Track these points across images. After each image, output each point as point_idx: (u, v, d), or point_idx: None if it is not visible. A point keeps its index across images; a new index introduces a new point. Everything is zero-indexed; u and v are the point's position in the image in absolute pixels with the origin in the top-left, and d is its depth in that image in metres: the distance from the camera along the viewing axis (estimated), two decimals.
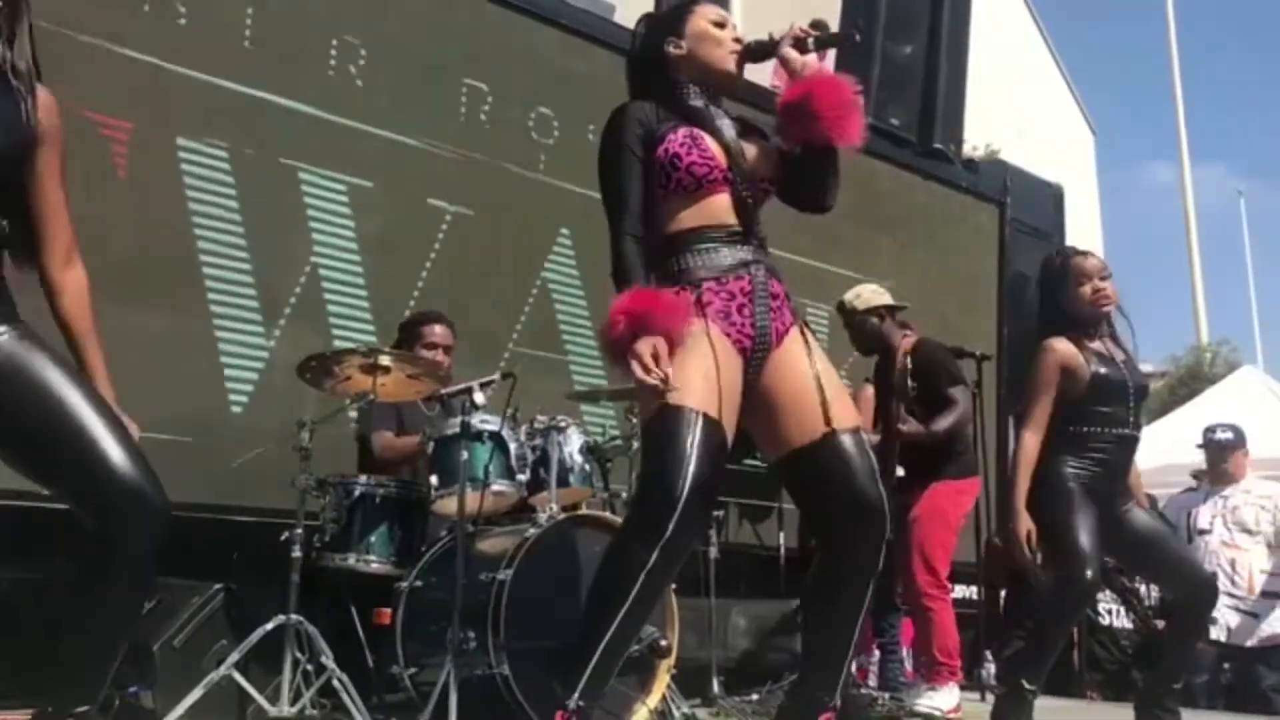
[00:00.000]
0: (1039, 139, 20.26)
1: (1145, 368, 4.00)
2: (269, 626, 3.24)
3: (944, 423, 4.55)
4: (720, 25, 2.63)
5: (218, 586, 3.55)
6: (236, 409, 4.36)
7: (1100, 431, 3.66)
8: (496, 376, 3.49)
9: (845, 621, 2.41)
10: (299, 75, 4.62)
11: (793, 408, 2.44)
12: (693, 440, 2.25)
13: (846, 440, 2.40)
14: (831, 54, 7.29)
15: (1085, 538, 3.51)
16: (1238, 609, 5.54)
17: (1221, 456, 5.74)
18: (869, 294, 4.89)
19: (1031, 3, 24.68)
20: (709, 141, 2.50)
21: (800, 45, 2.53)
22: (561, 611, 3.01)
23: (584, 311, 5.34)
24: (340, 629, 3.57)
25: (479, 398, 3.31)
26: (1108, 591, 6.04)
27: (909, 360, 4.69)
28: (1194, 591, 3.70)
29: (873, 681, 5.31)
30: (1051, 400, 3.66)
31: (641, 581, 2.23)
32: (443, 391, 3.58)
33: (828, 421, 2.40)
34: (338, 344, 4.41)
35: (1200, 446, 5.91)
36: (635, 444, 3.90)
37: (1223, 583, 5.54)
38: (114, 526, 1.92)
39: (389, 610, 3.49)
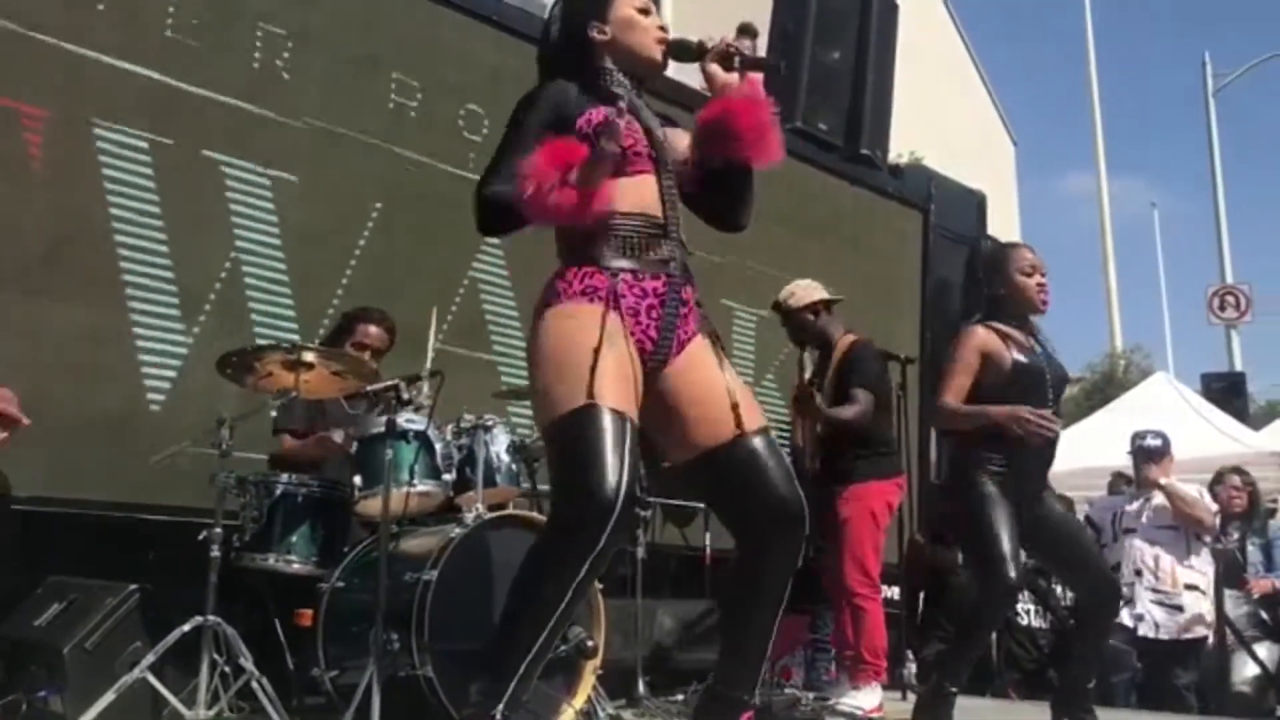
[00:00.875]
0: (961, 148, 20.61)
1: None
2: (186, 628, 3.17)
3: (840, 412, 4.60)
4: (645, 12, 2.56)
5: (133, 587, 3.45)
6: (155, 406, 4.26)
7: None
8: (424, 374, 3.44)
9: (764, 621, 2.37)
10: (223, 66, 4.53)
11: (700, 411, 2.39)
12: (621, 444, 2.17)
13: (758, 442, 2.36)
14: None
15: (1005, 539, 3.51)
16: (1162, 603, 5.67)
17: (1151, 461, 5.87)
18: (802, 291, 4.92)
19: (956, 14, 25.12)
20: (635, 120, 2.44)
21: (725, 62, 2.47)
22: (486, 612, 2.99)
23: (513, 310, 5.31)
24: (260, 630, 3.51)
25: (405, 395, 3.27)
26: (1026, 592, 6.14)
27: (843, 358, 4.75)
28: (1098, 591, 3.73)
29: (798, 680, 5.36)
30: (969, 383, 3.65)
31: (571, 593, 2.17)
32: (368, 389, 3.53)
33: (738, 424, 2.36)
34: (260, 340, 4.33)
35: (1129, 453, 6.05)
36: None
37: (1147, 579, 5.69)
38: None
39: (310, 611, 3.43)
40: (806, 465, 4.74)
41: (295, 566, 3.48)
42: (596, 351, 2.25)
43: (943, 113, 19.98)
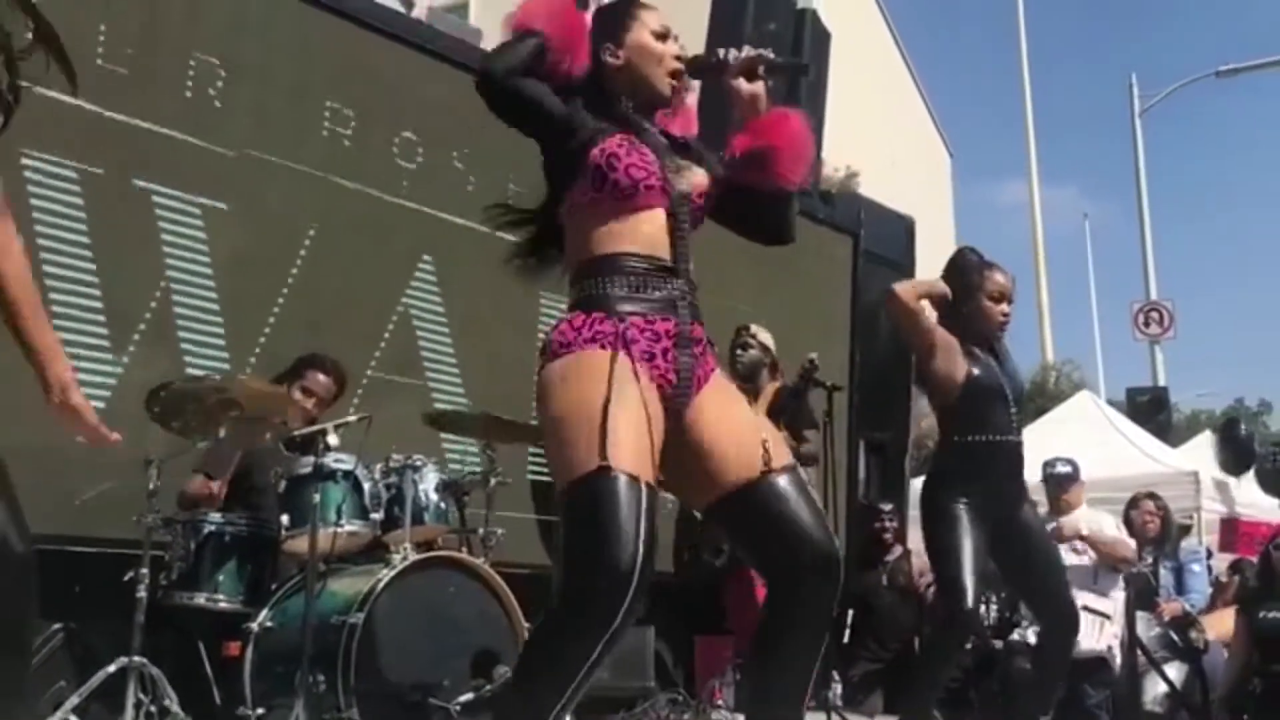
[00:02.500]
0: (897, 159, 20.91)
1: None
2: (111, 669, 3.18)
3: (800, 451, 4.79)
4: (663, 37, 2.44)
5: (57, 626, 3.45)
6: (80, 436, 4.23)
7: (985, 440, 3.70)
8: (352, 418, 3.48)
9: (805, 666, 2.29)
10: (154, 95, 4.52)
11: (728, 450, 2.29)
12: (637, 514, 2.04)
13: (787, 480, 2.27)
14: (697, 86, 7.45)
15: (966, 567, 3.52)
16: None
17: (1061, 489, 6.02)
18: (767, 337, 5.27)
19: (893, 24, 25.44)
20: (647, 149, 2.34)
21: (750, 73, 2.40)
22: (413, 653, 3.03)
23: (446, 338, 5.34)
24: (187, 667, 3.52)
25: (333, 440, 3.31)
26: None
27: (774, 402, 4.94)
28: (1057, 623, 3.77)
29: (726, 701, 5.44)
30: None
31: (583, 674, 2.04)
32: (295, 434, 3.56)
33: (766, 461, 2.27)
34: (190, 371, 4.33)
35: (1041, 480, 6.21)
36: (493, 480, 3.94)
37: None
38: None
39: (238, 644, 3.45)
40: None
41: (223, 604, 3.50)
42: (606, 407, 2.13)
43: (879, 123, 20.24)
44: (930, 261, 7.06)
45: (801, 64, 2.59)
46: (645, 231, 2.33)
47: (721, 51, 2.44)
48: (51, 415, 1.94)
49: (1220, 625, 5.85)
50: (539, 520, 5.25)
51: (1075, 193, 52.06)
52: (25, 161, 4.18)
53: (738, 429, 2.32)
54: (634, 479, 2.07)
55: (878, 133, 19.76)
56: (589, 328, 2.25)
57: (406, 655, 3.10)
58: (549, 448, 2.27)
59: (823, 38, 7.45)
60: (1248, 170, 63.18)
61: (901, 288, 3.85)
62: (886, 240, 7.68)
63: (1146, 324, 16.19)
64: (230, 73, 4.73)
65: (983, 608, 6.18)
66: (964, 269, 3.89)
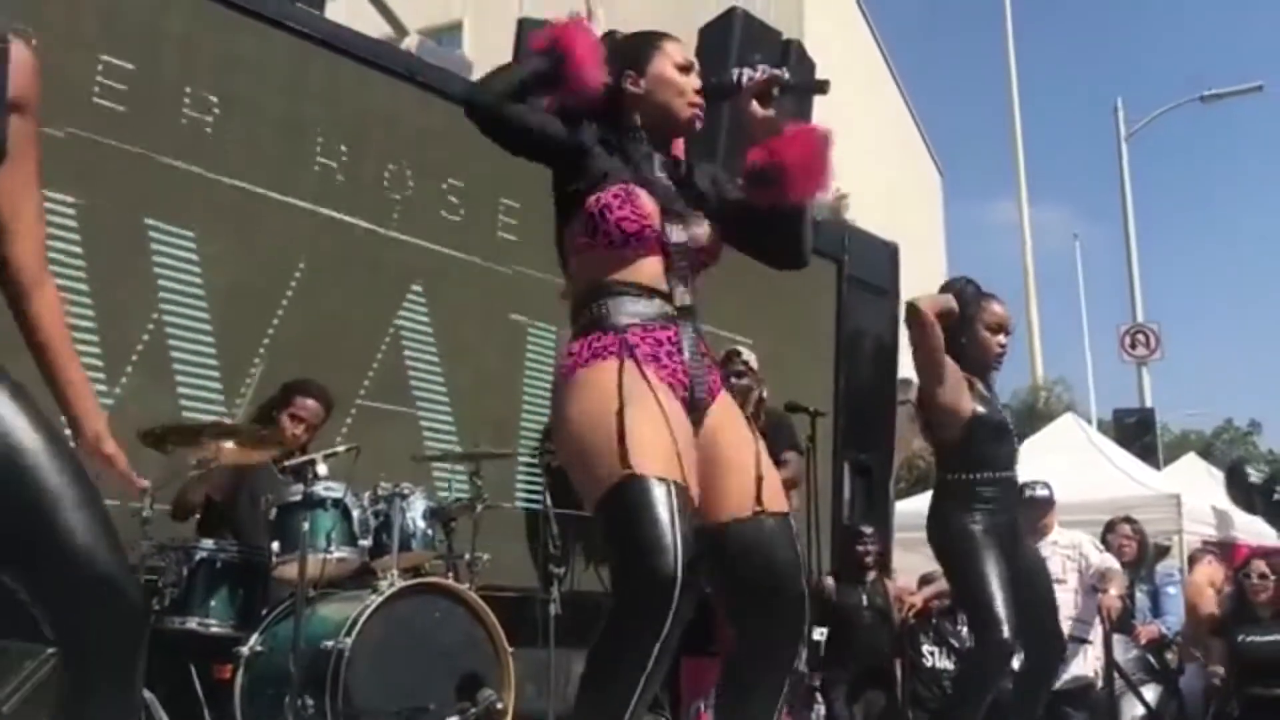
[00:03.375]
0: (888, 179, 21.07)
1: None
2: None
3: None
4: (685, 70, 2.44)
5: (50, 650, 3.51)
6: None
7: (989, 476, 3.73)
8: (340, 449, 3.57)
9: (766, 709, 2.28)
10: (149, 128, 4.62)
11: (726, 475, 2.29)
12: (670, 515, 2.03)
13: (773, 524, 2.27)
14: None
15: (998, 596, 3.50)
16: None
17: (1041, 512, 6.11)
18: (754, 361, 5.32)
19: (883, 45, 25.65)
20: (644, 198, 2.32)
21: (764, 97, 2.42)
22: (400, 677, 3.11)
23: (435, 366, 5.43)
24: (179, 690, 3.59)
25: (322, 469, 3.40)
26: (930, 633, 6.38)
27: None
28: (1042, 653, 3.80)
29: None
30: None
31: (642, 681, 2.05)
32: (286, 464, 3.65)
33: (759, 500, 2.27)
34: (183, 400, 4.42)
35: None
36: (479, 507, 4.03)
37: None
38: (74, 619, 1.71)
39: (229, 667, 3.53)
40: None
41: (214, 629, 3.58)
42: (621, 414, 2.13)
43: (869, 144, 20.41)
44: (921, 280, 7.17)
45: (820, 83, 2.64)
46: (643, 272, 2.34)
47: (736, 73, 2.46)
48: (81, 455, 1.95)
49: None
50: (527, 546, 5.35)
51: (1068, 214, 52.31)
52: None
53: (742, 459, 2.31)
54: (661, 480, 2.07)
55: (868, 153, 19.91)
56: (588, 348, 2.27)
57: (394, 679, 3.19)
58: (574, 471, 2.25)
59: (809, 68, 7.57)
60: (1234, 192, 63.65)
61: (925, 301, 3.76)
62: (871, 266, 7.79)
63: (1133, 346, 16.33)
64: (224, 107, 4.84)
65: (963, 629, 6.29)
66: (962, 299, 3.87)
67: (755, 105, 2.42)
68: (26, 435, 1.71)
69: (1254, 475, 9.25)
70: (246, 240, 4.89)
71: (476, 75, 6.00)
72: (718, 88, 2.47)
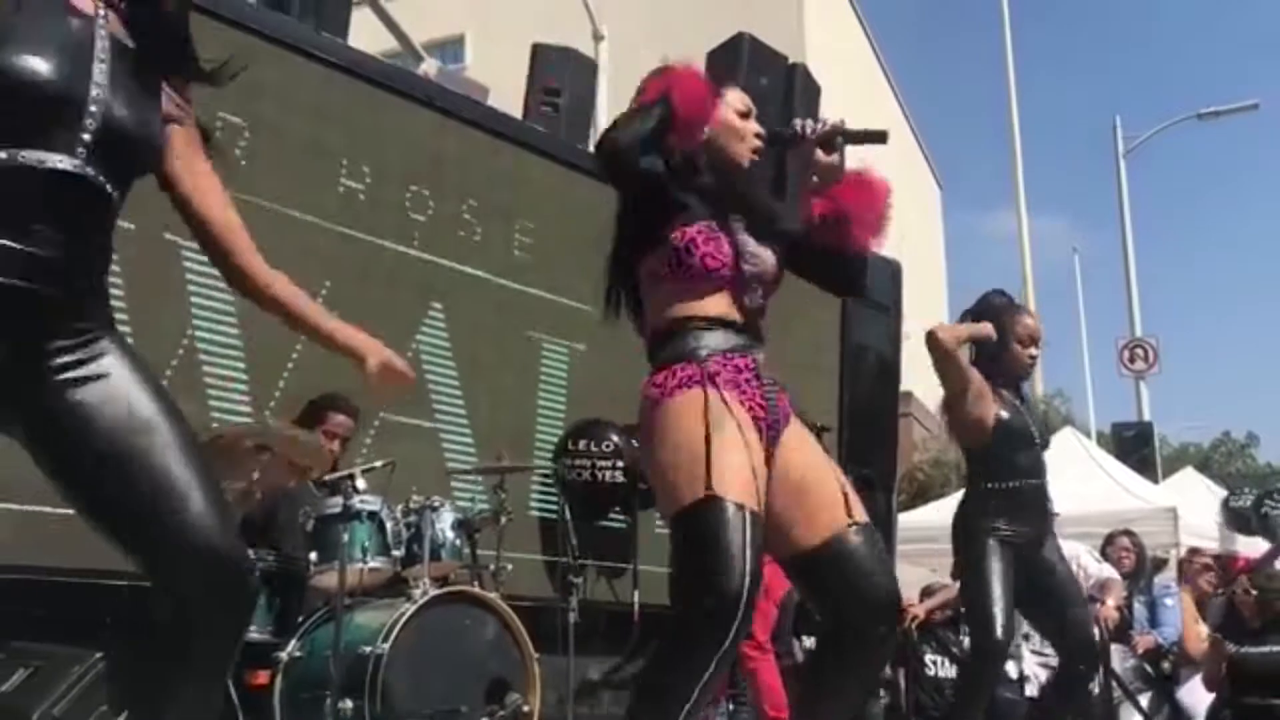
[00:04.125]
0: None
1: None
2: None
3: None
4: (745, 116, 2.61)
5: (98, 655, 3.67)
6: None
7: (1015, 485, 3.86)
8: (378, 464, 3.74)
9: (850, 708, 2.45)
10: None
11: (814, 493, 2.42)
12: (743, 540, 2.18)
13: (862, 536, 2.38)
14: None
15: (997, 600, 3.64)
16: (1046, 665, 6.06)
17: None
18: None
19: (884, 59, 25.85)
20: (725, 236, 2.48)
21: (828, 145, 2.56)
22: (433, 681, 3.27)
23: (454, 382, 5.60)
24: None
25: (361, 483, 3.57)
26: (932, 643, 6.54)
27: None
28: (1077, 654, 3.89)
29: None
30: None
31: (697, 691, 2.19)
32: (326, 478, 3.82)
33: (849, 513, 2.39)
34: (213, 415, 4.59)
35: None
36: (504, 519, 4.20)
37: (1035, 642, 6.07)
38: (186, 593, 1.73)
39: (264, 672, 3.69)
40: None
41: (254, 635, 3.73)
42: (708, 439, 2.27)
43: (869, 156, 20.58)
44: (920, 292, 7.34)
45: (879, 133, 2.71)
46: (720, 304, 2.49)
47: (799, 123, 2.61)
48: (371, 384, 2.05)
49: None
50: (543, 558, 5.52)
51: (1067, 225, 52.59)
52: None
53: (822, 479, 2.45)
54: (740, 507, 2.23)
55: (868, 165, 20.04)
56: (674, 376, 2.42)
57: (427, 683, 3.35)
58: (659, 489, 2.42)
59: (814, 91, 7.76)
60: (1231, 207, 63.97)
61: (942, 333, 3.89)
62: (874, 283, 7.95)
63: (1131, 360, 16.50)
64: (254, 132, 5.01)
65: (965, 639, 6.45)
66: (994, 311, 4.01)
67: (819, 153, 2.57)
68: (149, 408, 1.78)
69: (1241, 500, 9.41)
70: (274, 260, 4.98)
71: (492, 101, 6.23)
72: (779, 136, 2.62)
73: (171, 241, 4.75)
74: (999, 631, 3.65)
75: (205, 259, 4.88)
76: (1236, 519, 9.56)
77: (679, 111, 2.37)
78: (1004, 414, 3.88)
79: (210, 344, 4.82)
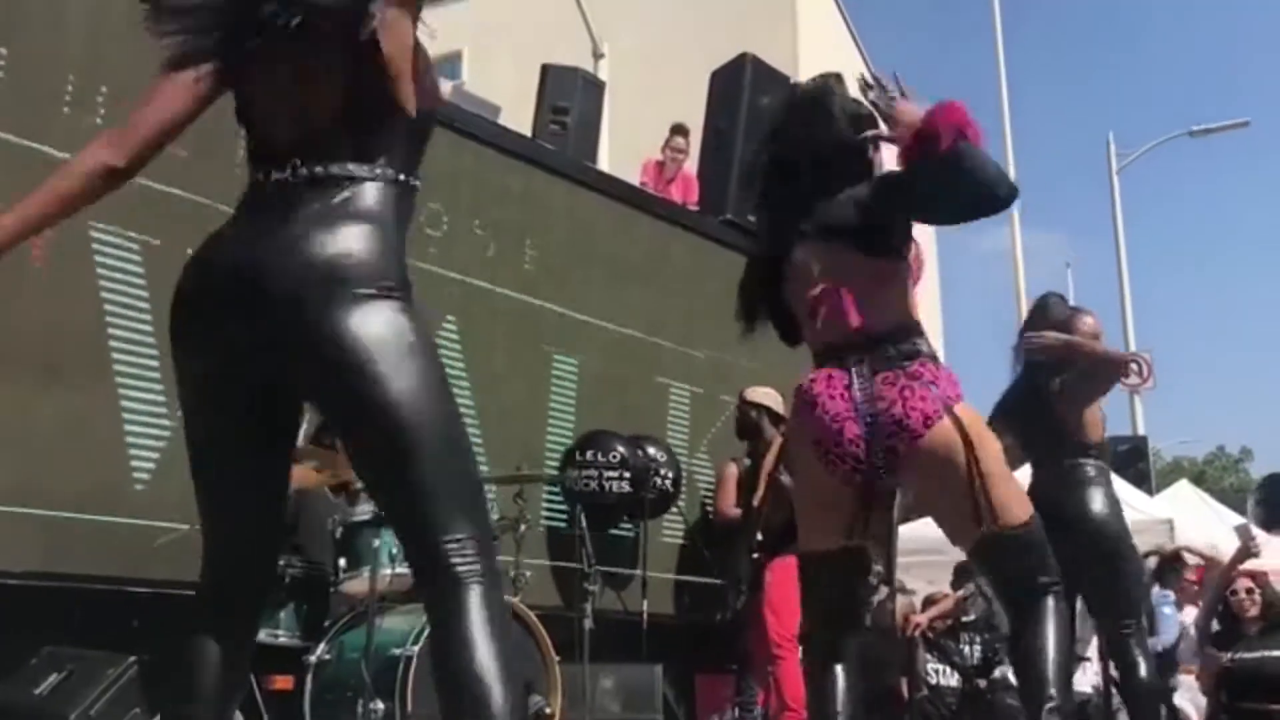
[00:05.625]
0: None
1: None
2: None
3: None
4: None
5: (131, 659, 3.78)
6: (139, 485, 4.60)
7: None
8: None
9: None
10: (207, 173, 4.90)
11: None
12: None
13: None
14: (694, 154, 7.82)
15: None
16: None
17: None
18: (759, 394, 5.63)
19: (875, 69, 26.00)
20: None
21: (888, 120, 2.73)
22: None
23: (466, 394, 5.71)
24: (245, 697, 3.85)
25: None
26: (935, 652, 6.66)
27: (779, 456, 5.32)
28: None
29: None
30: None
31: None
32: (356, 486, 3.93)
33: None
34: None
35: None
36: (523, 527, 4.31)
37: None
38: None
39: (288, 678, 3.80)
40: (742, 536, 5.31)
41: (282, 639, 3.85)
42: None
43: None
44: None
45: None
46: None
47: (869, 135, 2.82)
48: None
49: None
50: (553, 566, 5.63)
51: (1063, 238, 52.94)
52: (92, 234, 4.57)
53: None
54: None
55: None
56: (955, 383, 2.65)
57: None
58: (1004, 479, 2.63)
59: None
60: (1225, 221, 64.35)
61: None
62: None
63: (1126, 375, 16.61)
64: None
65: (966, 648, 6.57)
66: (1053, 313, 4.26)
67: (884, 125, 2.74)
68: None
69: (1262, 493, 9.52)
70: None
71: (504, 119, 6.35)
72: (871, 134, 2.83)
73: None
74: None
75: None
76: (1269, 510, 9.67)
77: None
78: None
79: None
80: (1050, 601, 2.61)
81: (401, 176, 1.92)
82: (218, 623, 1.93)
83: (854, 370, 2.59)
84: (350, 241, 1.82)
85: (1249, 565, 7.54)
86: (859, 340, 2.63)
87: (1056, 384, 4.20)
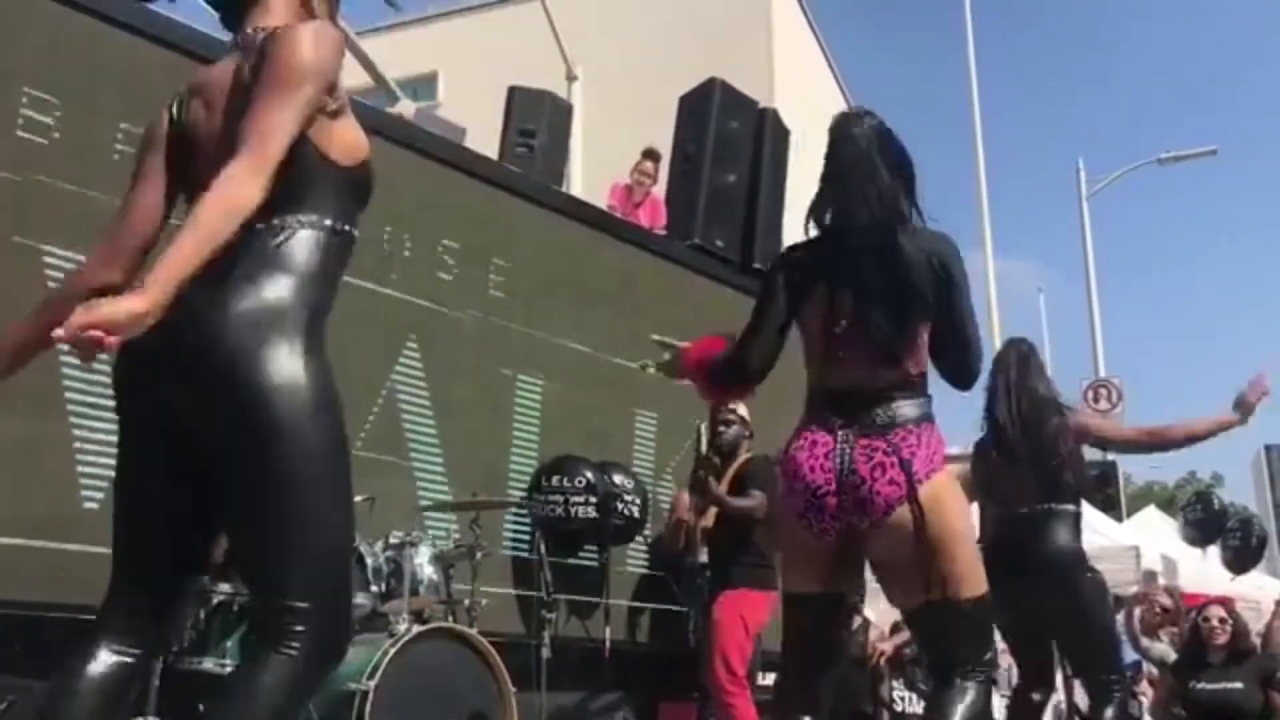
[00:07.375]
0: None
1: (952, 450, 4.33)
2: None
3: (737, 501, 5.16)
4: None
5: (12, 699, 3.68)
6: (90, 504, 4.51)
7: None
8: (358, 499, 3.78)
9: None
10: None
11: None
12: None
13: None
14: (663, 178, 7.81)
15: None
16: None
17: None
18: (743, 410, 5.55)
19: (851, 99, 26.16)
20: None
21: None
22: (417, 717, 3.31)
23: (429, 418, 5.65)
24: None
25: None
26: (901, 680, 6.63)
27: (740, 469, 5.29)
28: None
29: None
30: None
31: None
32: None
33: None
34: None
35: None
36: (479, 554, 4.26)
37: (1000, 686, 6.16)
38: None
39: None
40: (685, 559, 5.29)
41: (230, 669, 3.76)
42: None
43: None
44: None
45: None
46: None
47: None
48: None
49: None
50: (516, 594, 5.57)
51: (1038, 265, 53.42)
52: (45, 259, 4.50)
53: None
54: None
55: None
56: (942, 445, 2.73)
57: (410, 718, 3.39)
58: (963, 556, 2.66)
59: (782, 135, 7.91)
60: (1193, 247, 65.02)
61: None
62: None
63: (1096, 399, 16.69)
64: None
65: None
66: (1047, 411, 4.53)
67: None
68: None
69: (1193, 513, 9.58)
70: None
71: (469, 142, 6.32)
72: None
73: None
74: None
75: None
76: (1201, 527, 9.69)
77: None
78: None
79: None
80: (973, 688, 2.62)
81: (330, 223, 1.97)
82: (105, 650, 1.93)
83: (838, 436, 2.67)
84: (266, 292, 1.88)
85: (1221, 592, 7.57)
86: (856, 394, 2.73)
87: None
